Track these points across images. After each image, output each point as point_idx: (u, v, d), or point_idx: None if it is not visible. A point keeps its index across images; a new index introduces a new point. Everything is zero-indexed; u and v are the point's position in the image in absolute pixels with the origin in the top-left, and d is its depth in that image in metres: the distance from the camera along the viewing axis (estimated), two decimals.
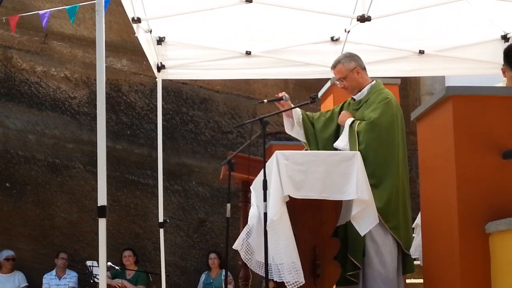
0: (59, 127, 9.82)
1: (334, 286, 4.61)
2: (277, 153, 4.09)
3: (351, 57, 5.01)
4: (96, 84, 10.16)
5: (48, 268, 9.42)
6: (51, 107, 9.85)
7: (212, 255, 9.46)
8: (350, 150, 4.73)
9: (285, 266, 3.98)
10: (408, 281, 4.89)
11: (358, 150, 4.60)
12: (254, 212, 4.43)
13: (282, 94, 5.02)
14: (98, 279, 8.37)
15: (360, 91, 4.99)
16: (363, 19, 5.80)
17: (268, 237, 4.04)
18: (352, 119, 4.90)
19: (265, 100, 5.10)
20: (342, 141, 4.88)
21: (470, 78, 7.61)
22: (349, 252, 4.58)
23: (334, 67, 5.04)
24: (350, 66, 4.95)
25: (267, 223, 4.06)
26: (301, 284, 3.99)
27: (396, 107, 4.84)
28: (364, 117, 4.83)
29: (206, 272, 9.51)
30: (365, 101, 4.93)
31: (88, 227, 9.62)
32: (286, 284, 3.97)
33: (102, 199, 3.96)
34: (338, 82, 5.06)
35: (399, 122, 4.85)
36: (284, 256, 3.99)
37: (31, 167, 9.70)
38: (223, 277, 9.12)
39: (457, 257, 3.37)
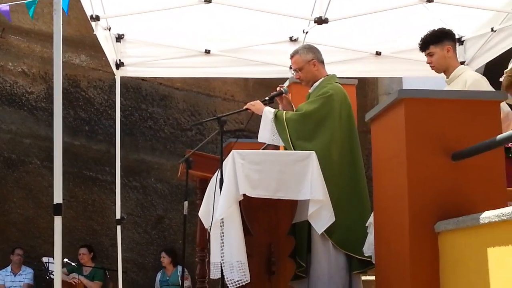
0: (15, 122, 9.71)
1: None
2: (234, 152, 4.12)
3: (310, 49, 5.00)
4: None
5: (3, 264, 9.31)
6: (8, 102, 9.73)
7: (162, 254, 9.37)
8: (281, 139, 4.72)
9: (229, 264, 3.99)
10: (364, 278, 4.96)
11: (291, 141, 4.63)
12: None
13: (281, 87, 5.00)
14: (54, 275, 8.33)
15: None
16: (320, 21, 5.87)
17: (215, 235, 4.07)
18: (271, 109, 4.85)
19: (267, 98, 5.01)
20: (266, 131, 4.81)
21: (427, 79, 7.73)
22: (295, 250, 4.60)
23: (291, 57, 5.01)
24: (307, 58, 4.92)
25: (213, 222, 4.10)
26: (247, 282, 4.02)
27: (339, 103, 4.75)
28: (299, 108, 4.80)
29: (161, 270, 9.47)
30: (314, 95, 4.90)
31: (44, 223, 9.53)
32: (227, 282, 3.99)
33: (58, 197, 3.90)
34: (294, 73, 5.06)
35: (344, 119, 4.75)
36: (230, 254, 4.00)
37: None
38: (179, 274, 9.12)
39: (408, 256, 3.44)
